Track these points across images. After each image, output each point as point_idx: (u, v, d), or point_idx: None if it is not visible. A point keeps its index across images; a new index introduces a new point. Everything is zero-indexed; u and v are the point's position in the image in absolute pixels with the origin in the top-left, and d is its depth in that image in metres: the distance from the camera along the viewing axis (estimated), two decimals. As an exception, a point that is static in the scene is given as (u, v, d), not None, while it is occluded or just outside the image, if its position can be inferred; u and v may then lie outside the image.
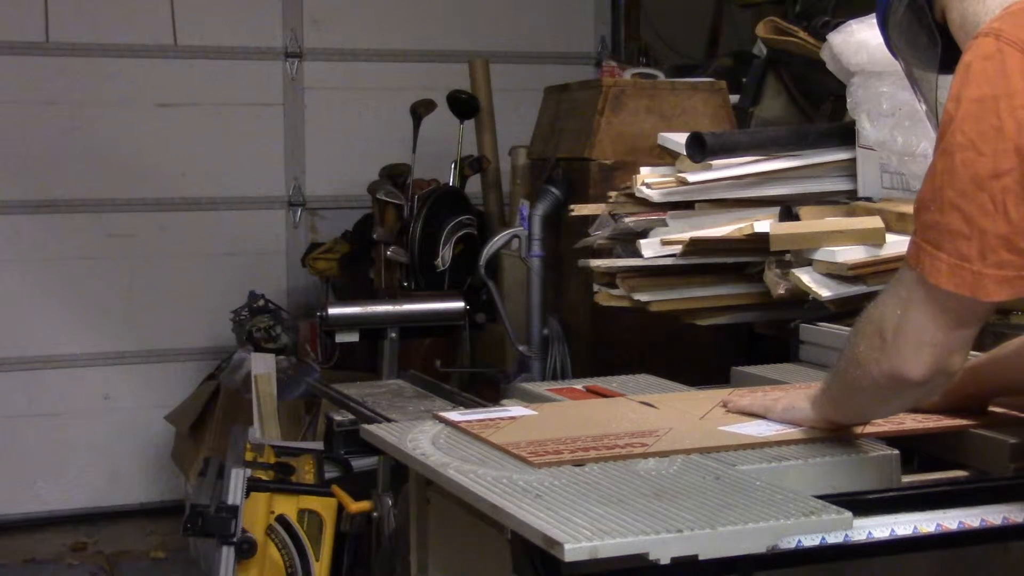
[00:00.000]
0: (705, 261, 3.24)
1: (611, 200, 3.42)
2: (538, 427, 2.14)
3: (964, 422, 2.11)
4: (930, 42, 1.96)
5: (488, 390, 4.09)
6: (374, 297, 5.23)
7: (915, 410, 2.08)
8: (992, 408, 2.15)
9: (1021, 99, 1.68)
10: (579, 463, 1.91)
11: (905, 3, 1.97)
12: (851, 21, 3.37)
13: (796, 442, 2.01)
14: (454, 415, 2.26)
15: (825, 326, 2.80)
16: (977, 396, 2.13)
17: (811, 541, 1.72)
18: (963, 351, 1.78)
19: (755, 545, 1.63)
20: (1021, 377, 2.11)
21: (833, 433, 2.02)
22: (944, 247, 1.71)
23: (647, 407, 2.29)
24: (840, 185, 3.41)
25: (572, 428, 2.11)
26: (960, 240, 1.69)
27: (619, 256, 3.35)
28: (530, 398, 2.50)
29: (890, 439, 2.04)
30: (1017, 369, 2.11)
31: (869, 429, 2.05)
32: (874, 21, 2.15)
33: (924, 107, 2.07)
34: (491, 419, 2.20)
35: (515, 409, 2.30)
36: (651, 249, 3.24)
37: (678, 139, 3.44)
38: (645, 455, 1.94)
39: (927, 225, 1.74)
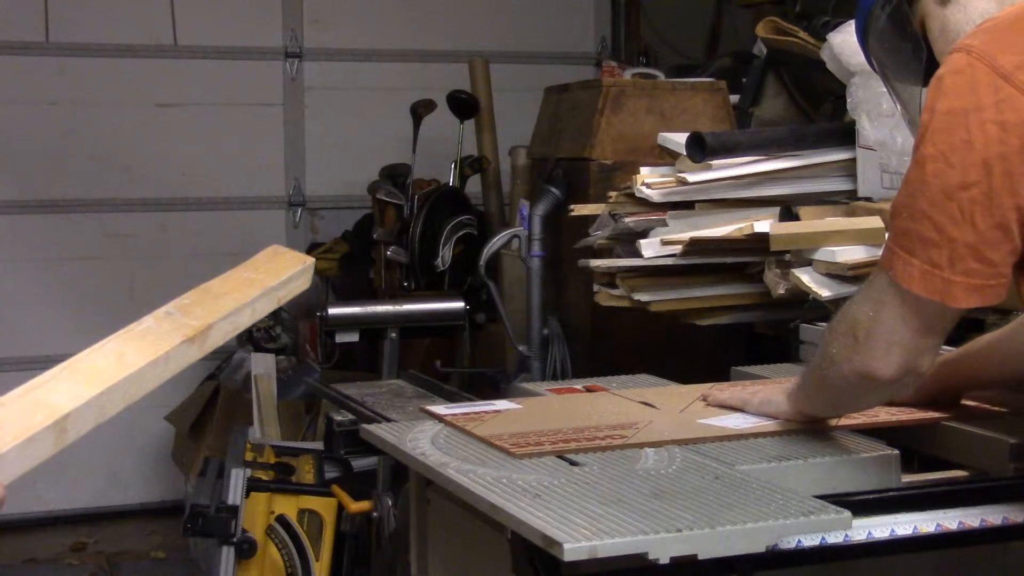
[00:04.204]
0: (705, 261, 3.24)
1: (611, 200, 3.42)
2: (521, 420, 2.17)
3: (936, 415, 2.14)
4: (910, 51, 2.00)
5: (488, 390, 4.08)
6: (374, 297, 5.23)
7: (889, 403, 2.13)
8: (964, 401, 2.19)
9: (990, 113, 1.72)
10: (560, 454, 1.94)
11: (887, 12, 2.00)
12: (851, 21, 3.36)
13: (772, 434, 2.06)
14: (440, 408, 2.30)
15: (825, 326, 2.80)
16: (950, 390, 2.17)
17: (811, 541, 1.73)
18: (932, 353, 1.83)
19: (754, 545, 1.63)
20: (992, 371, 2.16)
21: (807, 425, 2.07)
22: (916, 253, 1.75)
23: (629, 401, 2.32)
24: (840, 185, 3.41)
25: (554, 421, 2.14)
26: (931, 247, 1.74)
27: (619, 256, 3.35)
28: (530, 398, 2.50)
29: (887, 438, 2.05)
30: (988, 364, 2.15)
31: (843, 422, 2.09)
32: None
33: (903, 113, 2.11)
34: (476, 412, 2.24)
35: (500, 403, 2.33)
36: (651, 249, 3.24)
37: (678, 139, 3.44)
38: (624, 446, 1.98)
39: (900, 231, 1.78)
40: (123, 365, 1.47)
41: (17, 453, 1.34)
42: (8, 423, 1.35)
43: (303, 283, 1.71)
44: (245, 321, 1.63)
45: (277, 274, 1.68)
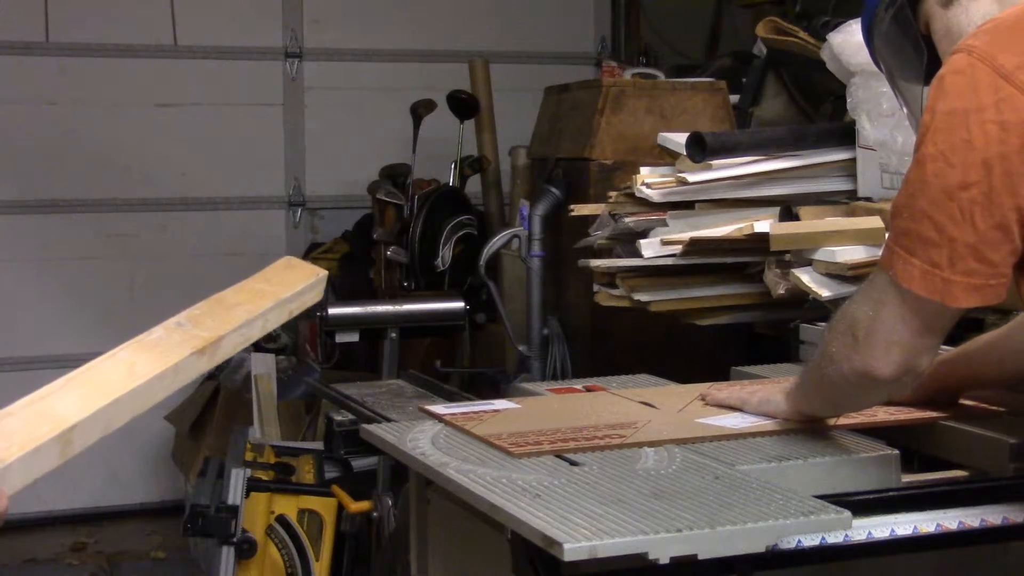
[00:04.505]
0: (705, 261, 3.24)
1: (611, 200, 3.42)
2: (520, 419, 2.18)
3: (935, 415, 2.15)
4: (914, 52, 2.01)
5: (488, 390, 4.08)
6: (374, 297, 5.23)
7: (887, 403, 2.13)
8: (963, 401, 2.20)
9: (990, 113, 1.72)
10: (559, 454, 1.94)
11: (891, 13, 2.02)
12: (851, 21, 3.37)
13: (771, 434, 2.07)
14: (439, 408, 2.30)
15: (825, 326, 2.80)
16: (948, 390, 2.18)
17: (811, 541, 1.73)
18: (930, 353, 1.84)
19: (754, 545, 1.63)
20: (990, 371, 2.17)
21: (806, 425, 2.08)
22: (916, 253, 1.76)
23: (628, 401, 2.32)
24: (840, 185, 3.41)
25: (553, 420, 2.15)
26: (931, 247, 1.75)
27: (619, 256, 3.35)
28: (530, 398, 2.50)
29: (887, 438, 2.06)
30: (986, 363, 2.16)
31: (843, 421, 2.09)
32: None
33: (908, 114, 2.11)
34: (475, 412, 2.24)
35: (499, 403, 2.34)
36: (651, 249, 3.24)
37: (678, 139, 3.44)
38: (623, 446, 1.98)
39: (901, 231, 1.79)
40: (132, 377, 1.46)
41: (22, 463, 1.34)
42: (15, 433, 1.35)
43: (315, 296, 1.71)
44: (256, 333, 1.62)
45: (290, 286, 1.68)
